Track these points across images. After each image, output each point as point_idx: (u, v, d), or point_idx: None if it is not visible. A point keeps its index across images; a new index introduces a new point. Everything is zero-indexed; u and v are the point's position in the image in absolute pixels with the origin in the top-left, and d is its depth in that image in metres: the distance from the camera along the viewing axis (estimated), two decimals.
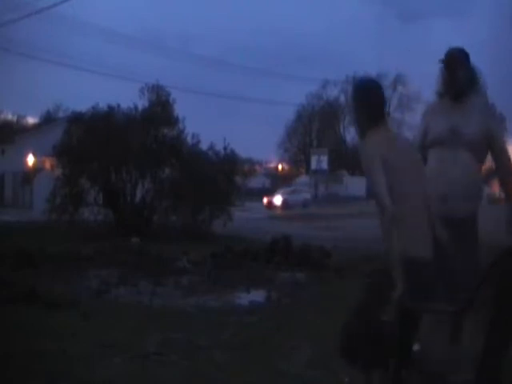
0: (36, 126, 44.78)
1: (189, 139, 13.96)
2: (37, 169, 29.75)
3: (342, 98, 71.07)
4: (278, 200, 33.55)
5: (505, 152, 3.31)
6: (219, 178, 13.19)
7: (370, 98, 2.81)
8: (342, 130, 73.29)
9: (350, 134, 72.72)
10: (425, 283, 2.62)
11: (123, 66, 72.68)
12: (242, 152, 21.96)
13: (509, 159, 3.32)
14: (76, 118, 13.32)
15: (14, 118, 56.74)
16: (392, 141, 2.80)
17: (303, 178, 60.83)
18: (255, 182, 53.75)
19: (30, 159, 32.75)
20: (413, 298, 2.51)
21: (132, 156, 12.55)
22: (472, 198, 3.27)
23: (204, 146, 13.99)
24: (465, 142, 3.26)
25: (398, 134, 2.90)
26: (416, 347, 2.55)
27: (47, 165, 26.70)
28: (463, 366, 2.41)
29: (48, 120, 47.22)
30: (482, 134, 3.26)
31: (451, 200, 3.20)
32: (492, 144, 3.29)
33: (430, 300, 2.61)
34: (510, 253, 2.27)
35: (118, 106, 13.54)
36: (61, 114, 47.25)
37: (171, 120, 13.84)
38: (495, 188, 66.26)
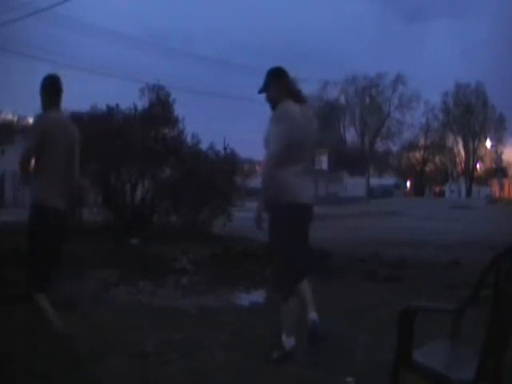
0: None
1: (189, 139, 13.97)
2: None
3: (342, 99, 71.21)
4: None
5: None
6: (219, 178, 13.18)
7: (46, 88, 4.01)
8: (342, 131, 73.32)
9: (350, 135, 72.92)
10: (52, 227, 3.87)
11: (123, 66, 72.62)
12: (242, 152, 21.95)
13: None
14: (75, 119, 13.31)
15: (14, 118, 56.72)
16: (56, 122, 3.96)
17: None
18: (255, 183, 53.82)
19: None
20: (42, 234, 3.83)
21: (132, 156, 12.55)
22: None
23: (204, 145, 14.00)
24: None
25: (60, 118, 4.10)
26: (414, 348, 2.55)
27: None
28: (463, 366, 2.41)
29: None
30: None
31: None
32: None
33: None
34: (510, 253, 2.27)
35: (117, 106, 13.54)
36: None
37: (171, 120, 13.84)
38: (495, 188, 65.72)
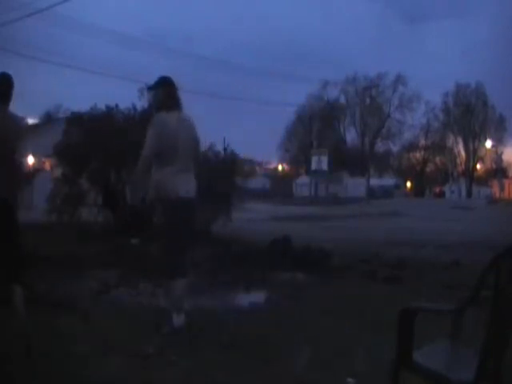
0: (35, 127, 44.75)
1: None
2: (34, 169, 29.72)
3: (342, 99, 71.22)
4: None
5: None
6: (219, 178, 13.17)
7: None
8: (342, 131, 73.35)
9: (351, 135, 72.96)
10: None
11: (123, 66, 72.65)
12: (242, 153, 21.96)
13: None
14: (75, 119, 13.30)
15: None
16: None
17: (303, 179, 60.82)
18: (255, 183, 53.74)
19: (30, 160, 32.80)
20: None
21: (132, 156, 12.53)
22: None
23: (204, 146, 13.97)
24: None
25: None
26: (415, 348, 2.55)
27: (46, 165, 26.68)
28: (463, 366, 2.41)
29: (48, 121, 47.21)
30: None
31: None
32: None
33: None
34: (510, 253, 2.27)
35: (116, 106, 13.53)
36: (61, 115, 47.20)
37: None
38: (495, 189, 65.83)
